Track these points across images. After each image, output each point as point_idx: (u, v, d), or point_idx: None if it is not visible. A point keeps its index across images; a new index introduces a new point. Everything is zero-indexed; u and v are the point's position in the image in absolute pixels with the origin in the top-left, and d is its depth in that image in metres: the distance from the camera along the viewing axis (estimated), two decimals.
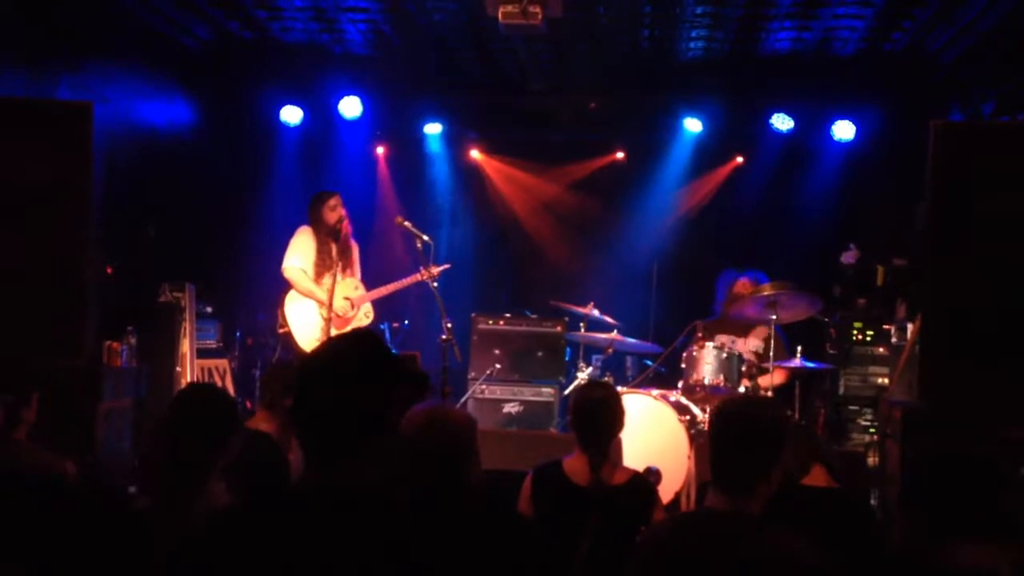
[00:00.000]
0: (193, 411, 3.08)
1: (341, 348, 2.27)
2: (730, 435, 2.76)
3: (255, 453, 3.38)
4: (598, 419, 4.04)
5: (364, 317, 7.22)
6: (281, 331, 7.07)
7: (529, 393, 8.02)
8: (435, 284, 6.98)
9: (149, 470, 3.22)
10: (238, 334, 8.59)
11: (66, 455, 3.47)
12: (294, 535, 2.04)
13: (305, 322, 6.97)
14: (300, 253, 7.03)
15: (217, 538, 2.12)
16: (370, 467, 2.13)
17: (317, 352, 2.30)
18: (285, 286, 7.08)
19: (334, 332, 7.00)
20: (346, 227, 7.06)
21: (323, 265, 6.99)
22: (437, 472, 2.91)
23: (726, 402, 2.96)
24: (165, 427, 3.07)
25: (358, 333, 2.37)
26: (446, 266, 7.24)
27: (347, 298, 7.07)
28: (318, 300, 6.92)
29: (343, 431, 2.14)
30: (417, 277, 7.07)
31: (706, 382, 6.91)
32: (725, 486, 2.72)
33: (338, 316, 6.97)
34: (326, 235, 7.03)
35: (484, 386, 7.95)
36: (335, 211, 7.04)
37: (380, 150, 9.75)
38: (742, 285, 7.56)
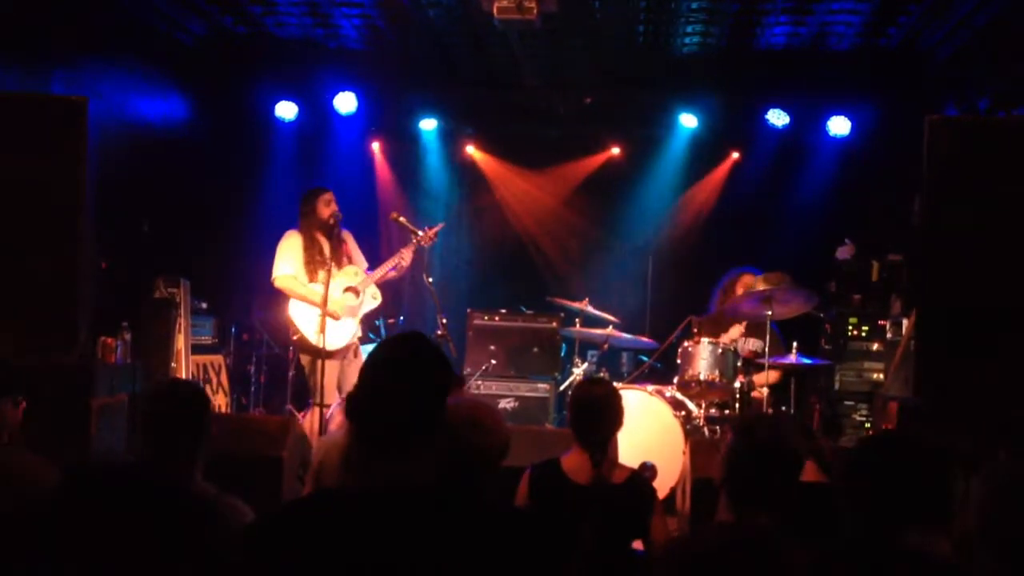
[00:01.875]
0: (163, 410, 3.11)
1: (395, 352, 2.26)
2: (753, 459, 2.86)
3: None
4: (598, 417, 3.98)
5: (372, 299, 7.03)
6: (295, 338, 6.90)
7: (525, 389, 8.02)
8: (430, 279, 6.94)
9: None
10: (233, 330, 8.57)
11: (56, 457, 3.44)
12: (344, 537, 2.03)
13: (315, 323, 6.85)
14: (288, 259, 6.86)
15: (264, 539, 2.11)
16: (422, 469, 2.12)
17: (371, 356, 2.29)
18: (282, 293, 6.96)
19: (340, 323, 6.85)
20: (339, 223, 6.93)
21: (314, 263, 6.82)
22: (470, 470, 2.91)
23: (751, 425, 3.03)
24: (140, 429, 3.09)
25: (406, 336, 2.35)
26: (440, 225, 7.16)
27: (348, 288, 6.91)
28: (313, 303, 6.71)
29: (397, 433, 2.13)
30: (413, 245, 6.94)
31: (701, 378, 6.91)
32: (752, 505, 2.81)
33: (339, 315, 6.85)
34: (318, 230, 6.89)
35: (479, 382, 7.94)
36: (330, 206, 6.93)
37: (375, 146, 9.74)
38: (744, 281, 7.53)
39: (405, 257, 6.99)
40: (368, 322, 7.35)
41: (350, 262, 7.03)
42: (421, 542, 2.02)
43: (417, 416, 2.15)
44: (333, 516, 2.08)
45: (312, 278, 6.81)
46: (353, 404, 2.19)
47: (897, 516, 2.53)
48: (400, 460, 2.12)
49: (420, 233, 6.98)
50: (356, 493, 2.13)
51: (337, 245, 6.94)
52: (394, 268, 6.99)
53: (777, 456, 2.87)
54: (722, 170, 9.41)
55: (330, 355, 6.62)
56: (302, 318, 6.79)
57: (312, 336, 6.72)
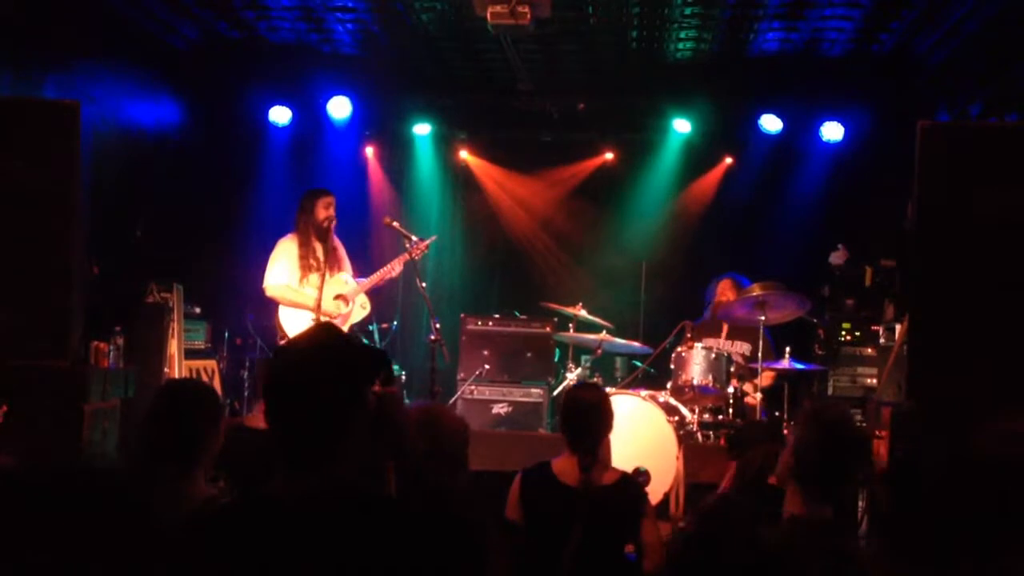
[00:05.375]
0: (176, 405, 3.10)
1: (303, 349, 2.21)
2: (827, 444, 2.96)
3: (245, 449, 3.38)
4: (588, 420, 4.06)
5: (361, 308, 7.04)
6: (282, 343, 6.91)
7: (518, 394, 8.01)
8: (423, 284, 6.92)
9: (133, 463, 3.24)
10: (226, 335, 8.55)
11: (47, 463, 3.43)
12: (274, 542, 2.02)
13: (303, 328, 6.80)
14: (280, 266, 6.87)
15: (196, 545, 2.09)
16: (346, 469, 2.10)
17: (279, 355, 2.25)
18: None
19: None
20: (332, 228, 6.92)
21: (308, 265, 6.83)
22: (426, 472, 2.91)
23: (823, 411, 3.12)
24: (148, 421, 3.08)
25: (319, 329, 2.31)
26: (432, 238, 7.12)
27: (338, 296, 6.92)
28: (307, 308, 6.76)
29: (315, 433, 2.10)
30: (406, 256, 6.93)
31: (695, 383, 6.91)
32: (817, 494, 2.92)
33: (332, 316, 6.85)
34: (312, 232, 6.89)
35: (473, 387, 7.94)
36: (328, 209, 6.93)
37: (369, 150, 9.73)
38: (723, 288, 7.57)
39: (396, 269, 7.01)
40: (362, 327, 7.34)
41: (340, 269, 7.04)
42: (334, 550, 2.00)
43: (330, 415, 2.09)
44: (253, 525, 2.06)
45: (304, 278, 6.81)
46: (267, 410, 2.14)
47: None
48: (320, 464, 2.08)
49: (413, 238, 6.98)
50: (279, 500, 2.09)
51: (330, 251, 6.95)
52: (384, 278, 7.02)
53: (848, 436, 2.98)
54: (715, 175, 9.42)
55: None
56: (292, 325, 6.79)
57: None
